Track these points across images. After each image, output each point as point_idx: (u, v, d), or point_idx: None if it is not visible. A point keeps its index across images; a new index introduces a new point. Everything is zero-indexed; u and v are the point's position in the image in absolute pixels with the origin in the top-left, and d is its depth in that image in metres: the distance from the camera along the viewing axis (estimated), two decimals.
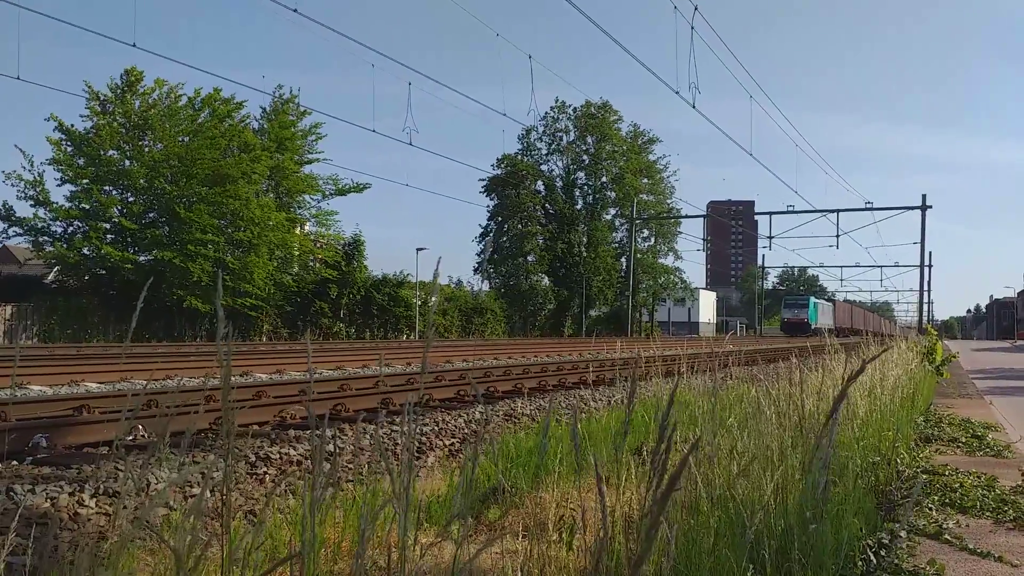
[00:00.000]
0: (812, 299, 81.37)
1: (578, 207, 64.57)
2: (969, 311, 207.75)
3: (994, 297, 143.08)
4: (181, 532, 1.76)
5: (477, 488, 5.03)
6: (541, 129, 63.67)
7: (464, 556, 2.08)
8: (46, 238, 33.13)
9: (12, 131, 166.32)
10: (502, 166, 60.71)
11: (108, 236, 33.42)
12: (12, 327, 30.46)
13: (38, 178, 32.22)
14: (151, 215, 34.53)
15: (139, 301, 2.36)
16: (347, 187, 41.90)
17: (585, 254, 62.14)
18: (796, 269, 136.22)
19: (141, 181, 33.67)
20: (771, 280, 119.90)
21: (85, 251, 32.56)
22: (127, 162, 33.98)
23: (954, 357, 17.90)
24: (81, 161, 32.92)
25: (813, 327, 73.18)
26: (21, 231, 32.98)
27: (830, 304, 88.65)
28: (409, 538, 2.05)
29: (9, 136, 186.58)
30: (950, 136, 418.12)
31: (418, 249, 46.66)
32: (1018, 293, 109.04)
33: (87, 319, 31.77)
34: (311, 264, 41.15)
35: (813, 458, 3.13)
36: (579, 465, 4.26)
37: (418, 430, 7.45)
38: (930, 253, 48.55)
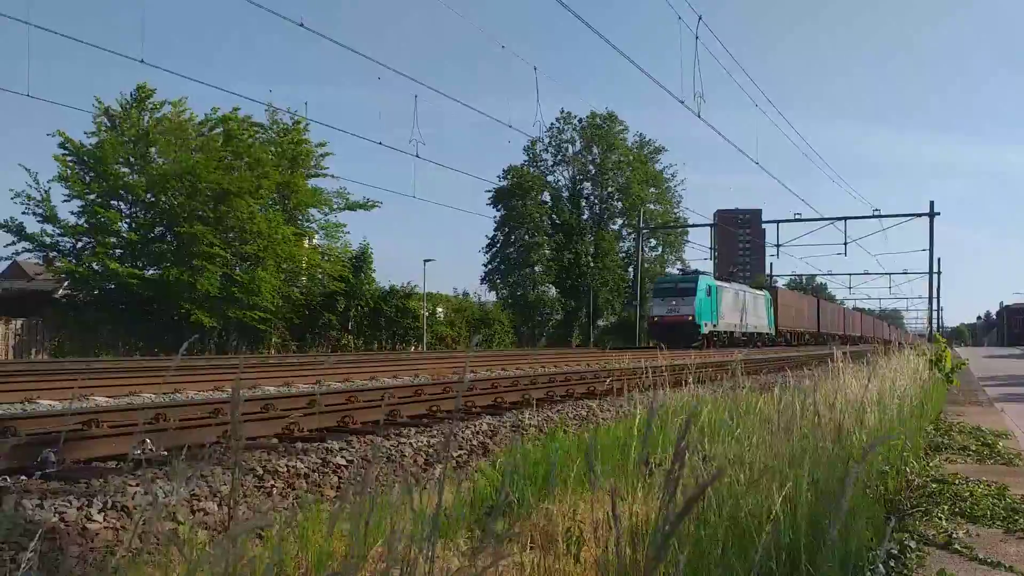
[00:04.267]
0: (705, 281, 44.76)
1: (584, 217, 64.69)
2: (979, 318, 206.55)
3: (1004, 303, 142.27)
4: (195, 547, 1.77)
5: (484, 502, 5.03)
6: (547, 140, 63.96)
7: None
8: (55, 253, 33.37)
9: (21, 147, 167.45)
10: (508, 177, 60.91)
11: (116, 251, 33.58)
12: (22, 342, 30.61)
13: (44, 195, 32.40)
14: (158, 229, 34.72)
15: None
16: (356, 203, 41.91)
17: (592, 264, 62.17)
18: (804, 277, 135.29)
19: (148, 196, 33.85)
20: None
21: (94, 266, 32.72)
22: (133, 176, 34.19)
23: (964, 364, 17.80)
24: (87, 178, 33.12)
25: (709, 330, 43.32)
26: (31, 247, 33.22)
27: (760, 293, 55.72)
28: (415, 551, 2.05)
29: (18, 153, 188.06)
30: (958, 142, 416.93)
31: (425, 260, 46.74)
32: None
33: (97, 333, 31.88)
34: (319, 276, 41.20)
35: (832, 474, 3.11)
36: (593, 482, 4.25)
37: (425, 442, 7.46)
38: (939, 260, 48.16)
